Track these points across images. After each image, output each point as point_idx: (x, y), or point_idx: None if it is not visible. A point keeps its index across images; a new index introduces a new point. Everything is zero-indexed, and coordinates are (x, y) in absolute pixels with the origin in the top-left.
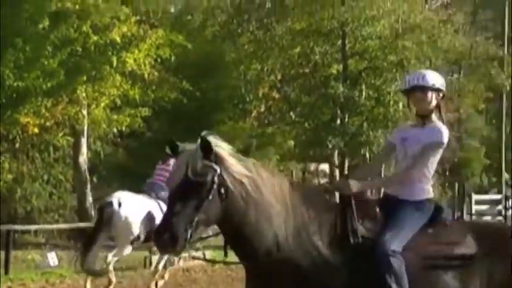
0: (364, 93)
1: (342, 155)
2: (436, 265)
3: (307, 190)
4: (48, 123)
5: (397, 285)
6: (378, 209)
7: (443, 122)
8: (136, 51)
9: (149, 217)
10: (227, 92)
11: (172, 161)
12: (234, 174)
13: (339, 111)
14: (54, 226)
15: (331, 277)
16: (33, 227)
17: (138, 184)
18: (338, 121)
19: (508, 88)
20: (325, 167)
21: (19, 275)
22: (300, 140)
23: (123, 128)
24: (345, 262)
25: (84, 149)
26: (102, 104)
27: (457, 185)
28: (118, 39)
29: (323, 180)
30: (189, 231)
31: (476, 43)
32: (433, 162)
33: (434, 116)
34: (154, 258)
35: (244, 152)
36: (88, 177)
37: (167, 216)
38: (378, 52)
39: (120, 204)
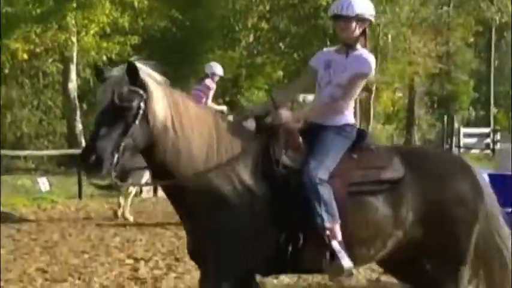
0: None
1: None
2: (363, 191)
3: (234, 123)
4: (37, 50)
5: (327, 214)
6: (300, 138)
7: (368, 49)
8: None
9: None
10: (216, 21)
11: (207, 81)
12: (156, 106)
13: (328, 43)
14: (45, 152)
15: (255, 206)
16: (23, 153)
17: None
18: None
19: (497, 22)
20: (312, 97)
21: (10, 200)
22: (289, 70)
23: (113, 56)
24: (270, 192)
25: (73, 75)
26: (92, 31)
27: (445, 118)
28: None
29: None
30: (116, 156)
31: None
32: (358, 91)
33: (359, 45)
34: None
35: (233, 81)
36: (77, 104)
37: (93, 140)
38: None
39: None
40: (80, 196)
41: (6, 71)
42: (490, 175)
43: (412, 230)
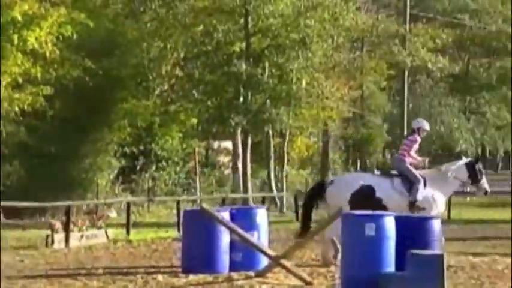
0: (267, 71)
1: (245, 133)
2: None
3: None
4: None
5: None
6: None
7: None
8: (37, 29)
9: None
10: (130, 70)
11: (414, 136)
12: None
13: (242, 89)
14: None
15: None
16: None
17: (40, 162)
18: (241, 99)
19: (409, 65)
20: (228, 144)
21: None
22: (203, 117)
23: (25, 107)
24: None
25: None
26: (4, 82)
27: (358, 161)
28: (19, 17)
29: (226, 158)
30: None
31: (378, 21)
32: None
33: None
34: (57, 236)
35: (147, 129)
36: None
37: None
38: (281, 30)
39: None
40: None
41: None
42: None
43: None
